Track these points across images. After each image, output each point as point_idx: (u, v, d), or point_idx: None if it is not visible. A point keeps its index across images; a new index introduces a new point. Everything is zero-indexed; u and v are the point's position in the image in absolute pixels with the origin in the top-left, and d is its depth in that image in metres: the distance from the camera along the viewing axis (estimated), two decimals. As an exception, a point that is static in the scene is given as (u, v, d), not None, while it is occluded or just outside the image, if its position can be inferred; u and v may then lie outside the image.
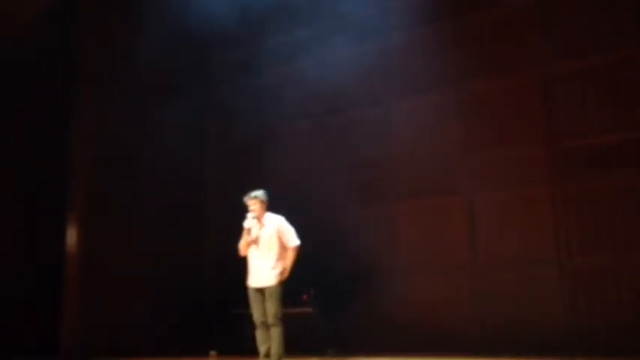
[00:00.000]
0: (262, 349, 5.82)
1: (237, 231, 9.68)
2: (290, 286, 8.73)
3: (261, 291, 5.84)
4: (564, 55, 7.89)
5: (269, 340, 5.76)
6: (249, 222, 5.93)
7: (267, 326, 5.78)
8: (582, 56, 7.75)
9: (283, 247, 5.93)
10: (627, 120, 7.42)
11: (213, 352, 8.39)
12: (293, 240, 5.98)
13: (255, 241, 5.93)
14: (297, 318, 8.46)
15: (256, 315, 5.85)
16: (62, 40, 8.92)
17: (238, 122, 10.14)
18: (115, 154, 8.92)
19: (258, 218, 5.96)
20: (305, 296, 8.35)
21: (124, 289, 8.61)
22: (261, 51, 9.98)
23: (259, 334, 5.83)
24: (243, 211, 9.68)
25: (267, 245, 5.93)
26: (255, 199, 6.00)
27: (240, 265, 9.33)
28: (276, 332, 5.73)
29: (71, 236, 8.54)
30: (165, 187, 9.45)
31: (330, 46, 9.27)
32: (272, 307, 5.78)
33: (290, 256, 5.91)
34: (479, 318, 7.87)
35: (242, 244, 5.95)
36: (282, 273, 5.85)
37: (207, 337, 8.83)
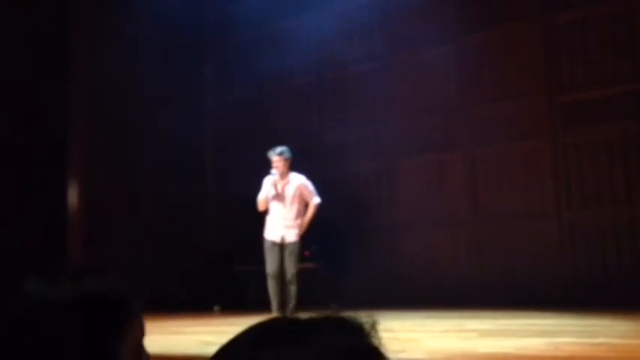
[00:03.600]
0: (275, 302, 5.87)
1: (238, 187, 9.76)
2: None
3: (280, 245, 5.88)
4: (565, 4, 7.76)
5: (281, 294, 5.79)
6: (273, 177, 5.93)
7: (281, 280, 5.84)
8: (583, 6, 7.62)
9: (305, 206, 6.01)
10: (628, 72, 7.34)
11: (217, 307, 8.51)
12: (315, 197, 6.04)
13: (278, 197, 5.94)
14: (299, 274, 8.55)
15: (272, 267, 5.89)
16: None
17: (237, 75, 10.02)
18: (113, 106, 8.86)
19: (282, 175, 5.95)
20: (307, 252, 8.40)
21: (126, 246, 8.67)
22: (257, 5, 9.79)
23: (273, 286, 5.88)
24: (243, 168, 9.72)
25: (290, 202, 5.98)
26: (279, 156, 6.01)
27: (243, 222, 9.41)
28: (294, 289, 5.82)
29: (72, 194, 8.55)
30: (164, 142, 9.41)
31: (328, 1, 9.09)
32: (292, 265, 5.87)
33: (310, 213, 6.02)
34: (479, 272, 7.96)
35: (262, 198, 5.96)
36: (300, 226, 5.88)
37: (211, 292, 8.93)
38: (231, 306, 8.47)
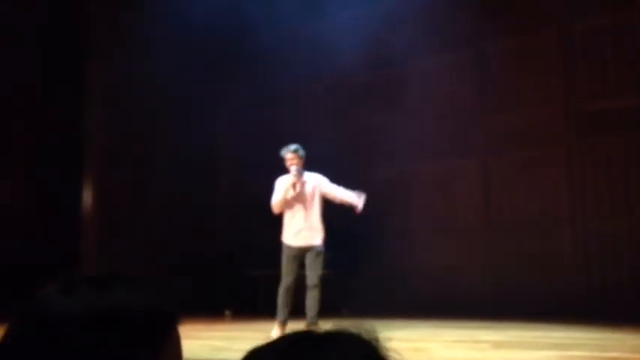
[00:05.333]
0: (285, 312, 5.55)
1: (250, 190, 9.76)
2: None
3: (304, 250, 5.56)
4: (583, 13, 7.70)
5: (291, 305, 5.58)
6: (292, 177, 5.60)
7: (294, 288, 5.55)
8: (601, 15, 7.57)
9: (324, 204, 5.73)
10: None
11: (228, 312, 8.51)
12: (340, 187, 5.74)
13: (298, 198, 5.62)
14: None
15: (291, 277, 5.55)
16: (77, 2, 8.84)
17: (250, 81, 10.05)
18: (128, 108, 8.91)
19: (300, 173, 5.65)
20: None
21: (138, 248, 8.70)
22: (273, 10, 9.81)
23: (287, 297, 5.55)
24: (257, 171, 9.72)
25: (311, 202, 5.66)
26: (294, 153, 5.68)
27: (255, 226, 9.41)
28: (318, 295, 5.51)
29: (87, 195, 8.61)
30: (178, 145, 9.45)
31: (343, 5, 9.10)
32: (319, 268, 5.54)
33: (345, 191, 5.68)
34: (492, 281, 7.89)
35: (279, 200, 5.60)
36: (349, 197, 5.60)
37: (222, 297, 8.93)
38: (243, 311, 8.47)
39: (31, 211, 8.40)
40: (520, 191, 7.97)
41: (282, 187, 5.68)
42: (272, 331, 5.45)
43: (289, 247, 5.61)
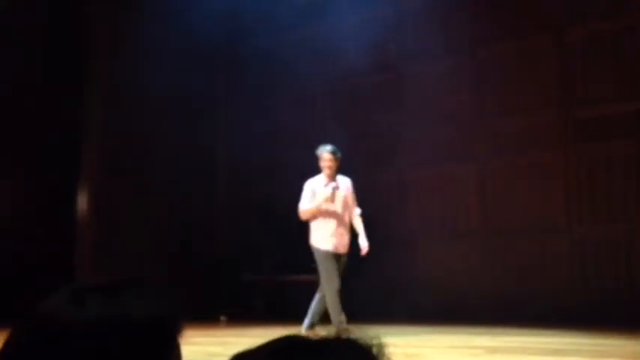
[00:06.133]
0: (341, 318, 5.37)
1: (248, 196, 9.73)
2: (299, 254, 8.78)
3: (339, 256, 5.43)
4: (580, 19, 7.72)
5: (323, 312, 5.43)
6: (325, 180, 5.41)
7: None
8: (598, 20, 7.59)
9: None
10: (638, 88, 7.29)
11: (223, 317, 8.48)
12: (357, 207, 5.59)
13: (331, 201, 5.43)
14: (306, 285, 8.51)
15: (338, 280, 5.35)
16: (74, 4, 8.84)
17: (250, 83, 10.05)
18: (126, 114, 8.91)
19: (332, 175, 5.48)
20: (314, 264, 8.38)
21: (133, 252, 8.67)
22: (273, 13, 9.82)
23: (337, 301, 5.33)
24: (254, 177, 9.71)
25: (343, 206, 5.49)
26: (333, 155, 5.47)
27: (252, 231, 9.39)
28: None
29: (82, 198, 8.58)
30: (175, 151, 9.44)
31: (344, 9, 9.11)
32: (340, 274, 5.43)
33: (362, 227, 5.50)
34: (489, 286, 7.88)
35: (311, 211, 5.42)
36: (364, 248, 5.48)
37: (218, 302, 8.90)
38: (238, 316, 8.44)
39: (31, 212, 8.38)
40: (517, 197, 7.97)
41: (310, 195, 5.46)
42: None
43: (321, 251, 5.44)
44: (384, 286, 8.42)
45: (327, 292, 5.39)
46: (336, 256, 5.43)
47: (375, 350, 0.73)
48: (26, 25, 8.46)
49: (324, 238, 5.46)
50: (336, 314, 5.37)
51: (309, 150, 9.45)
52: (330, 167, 5.48)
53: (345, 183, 5.60)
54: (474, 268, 8.10)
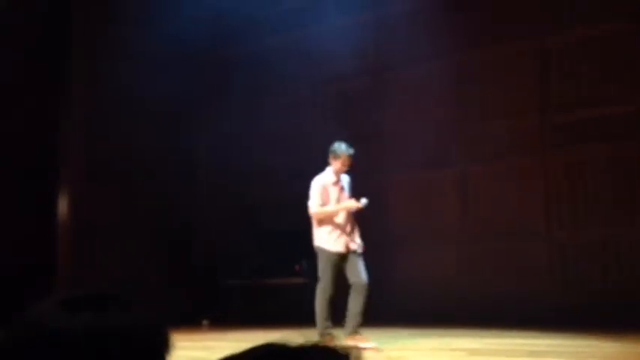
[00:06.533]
0: (327, 324, 5.30)
1: (229, 202, 9.71)
2: (282, 258, 8.80)
3: (344, 256, 5.33)
4: (560, 26, 7.82)
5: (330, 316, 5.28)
6: (364, 201, 5.35)
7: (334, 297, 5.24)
8: (578, 27, 7.69)
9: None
10: (619, 93, 7.40)
11: (205, 322, 8.45)
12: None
13: (340, 201, 5.40)
14: (289, 289, 8.52)
15: (334, 286, 5.28)
16: (53, 7, 8.76)
17: (231, 87, 10.03)
18: (107, 119, 8.84)
19: (340, 174, 5.46)
20: (297, 267, 8.39)
21: (114, 259, 8.61)
22: (256, 20, 9.84)
23: (328, 306, 5.27)
24: (236, 183, 9.70)
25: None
26: (351, 156, 5.46)
27: (233, 236, 9.38)
28: (365, 300, 5.25)
29: (62, 204, 8.51)
30: (156, 157, 9.39)
31: (328, 14, 9.15)
32: (364, 269, 5.31)
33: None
34: (469, 290, 7.94)
35: (332, 211, 5.34)
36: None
37: (200, 306, 8.87)
38: (220, 320, 8.42)
39: (10, 217, 8.28)
40: (497, 201, 8.04)
41: (320, 192, 5.37)
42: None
43: (329, 252, 5.34)
44: (373, 289, 8.43)
45: (319, 296, 5.35)
46: (343, 257, 5.33)
47: (352, 358, 0.74)
48: (5, 27, 8.37)
49: (333, 239, 5.37)
50: (322, 319, 5.32)
51: (291, 154, 9.53)
52: (347, 167, 5.47)
53: (346, 179, 5.64)
54: (455, 271, 8.15)
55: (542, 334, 6.13)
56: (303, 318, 7.93)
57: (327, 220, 5.40)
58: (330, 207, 5.42)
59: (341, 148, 5.49)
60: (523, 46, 8.04)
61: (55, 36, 8.71)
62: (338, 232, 5.38)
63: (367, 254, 8.51)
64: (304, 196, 9.10)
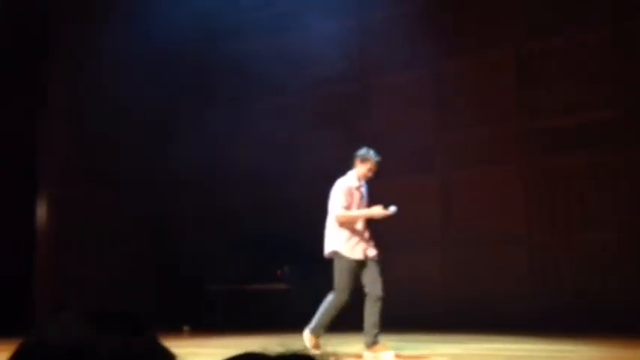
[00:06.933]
0: (323, 332, 5.22)
1: (210, 205, 9.67)
2: (265, 263, 8.76)
3: (362, 263, 5.18)
4: (538, 34, 7.91)
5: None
6: (393, 208, 5.23)
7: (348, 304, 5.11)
8: (556, 35, 7.78)
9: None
10: (597, 100, 7.50)
11: (186, 327, 8.39)
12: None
13: (361, 206, 5.31)
14: (271, 294, 8.50)
15: (349, 295, 5.16)
16: (33, 13, 8.69)
17: (214, 92, 10.00)
18: (87, 122, 8.78)
19: (363, 179, 5.38)
20: (279, 273, 8.37)
21: (95, 263, 8.54)
22: (240, 24, 9.82)
23: (336, 316, 5.17)
24: (218, 188, 9.66)
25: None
26: (379, 163, 5.39)
27: (215, 242, 9.33)
28: (380, 309, 5.13)
29: (41, 210, 8.42)
30: (138, 160, 9.33)
31: (312, 20, 9.16)
32: (381, 279, 5.18)
33: None
34: (451, 296, 7.98)
35: (359, 216, 5.22)
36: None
37: (181, 312, 8.81)
38: (202, 326, 8.37)
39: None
40: (479, 208, 8.09)
41: (347, 195, 5.26)
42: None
43: (350, 260, 5.19)
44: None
45: (332, 302, 5.21)
46: (361, 265, 5.19)
47: None
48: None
49: (352, 244, 5.23)
50: (321, 324, 5.21)
51: (277, 159, 9.51)
52: (373, 174, 5.40)
53: (364, 186, 5.55)
54: (437, 276, 8.19)
55: (524, 338, 6.18)
56: (286, 324, 7.93)
57: (347, 225, 5.24)
58: (356, 211, 5.28)
59: (370, 153, 5.41)
60: (504, 53, 8.12)
61: (33, 39, 8.64)
62: (357, 238, 5.24)
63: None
64: (290, 201, 9.14)
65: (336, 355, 0.78)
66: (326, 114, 9.17)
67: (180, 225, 9.92)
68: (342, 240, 5.25)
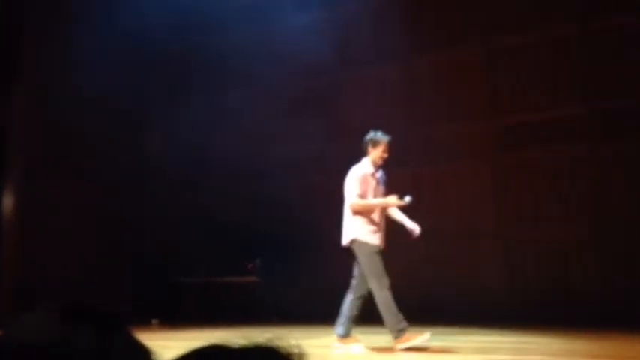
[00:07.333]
0: (400, 317, 5.05)
1: (180, 197, 9.59)
2: (237, 256, 8.72)
3: (382, 253, 5.09)
4: (507, 31, 7.99)
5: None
6: (409, 198, 5.10)
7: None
8: (525, 32, 7.87)
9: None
10: (564, 97, 7.62)
11: (155, 320, 8.33)
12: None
13: (378, 193, 5.17)
14: (242, 287, 8.48)
15: (387, 276, 5.00)
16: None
17: (191, 84, 9.92)
18: (54, 116, 8.64)
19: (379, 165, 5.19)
20: (250, 265, 8.35)
21: (62, 256, 8.41)
22: (217, 16, 9.73)
23: (390, 297, 4.96)
24: (185, 180, 9.58)
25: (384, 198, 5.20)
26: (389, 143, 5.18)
27: (183, 234, 9.26)
28: None
29: (8, 201, 8.27)
30: (104, 153, 9.21)
31: (281, 13, 9.12)
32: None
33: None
34: (420, 288, 8.04)
35: (376, 205, 5.10)
36: None
37: (150, 305, 8.74)
38: (171, 319, 8.31)
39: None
40: (448, 202, 8.17)
41: (361, 183, 5.11)
42: (406, 344, 4.89)
43: (373, 246, 5.06)
44: (316, 287, 8.47)
45: (379, 293, 5.00)
46: (381, 253, 5.09)
47: (296, 358, 0.75)
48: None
49: (374, 233, 5.11)
50: (393, 316, 5.00)
51: (249, 150, 9.45)
52: (387, 155, 5.21)
53: (381, 174, 5.38)
54: (407, 270, 8.24)
55: (493, 331, 6.26)
56: (255, 317, 7.92)
57: (364, 213, 5.11)
58: (371, 200, 5.14)
59: (378, 135, 5.27)
60: (473, 50, 8.20)
61: (2, 31, 8.45)
62: (374, 227, 5.12)
63: (321, 251, 8.59)
64: (264, 193, 9.10)
65: (299, 346, 0.78)
66: (302, 106, 9.15)
67: (150, 216, 9.83)
68: (361, 227, 5.12)
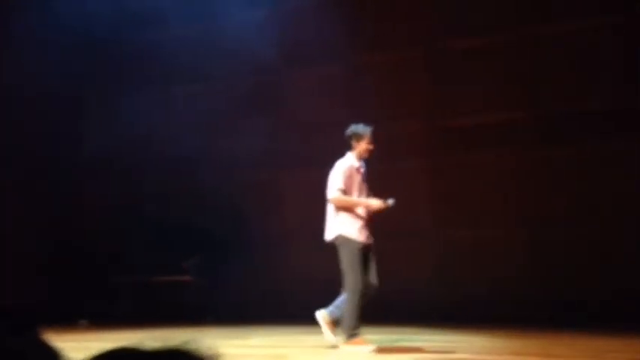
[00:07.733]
0: (357, 324, 4.88)
1: (116, 193, 9.36)
2: (170, 254, 8.58)
3: (366, 248, 4.92)
4: (449, 33, 8.12)
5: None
6: (391, 201, 4.98)
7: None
8: (467, 35, 8.02)
9: None
10: (504, 100, 7.80)
11: (83, 321, 8.08)
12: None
13: (361, 190, 5.02)
14: (175, 286, 8.36)
15: (364, 280, 4.81)
16: None
17: (123, 78, 9.69)
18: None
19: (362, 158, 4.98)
20: (185, 265, 8.24)
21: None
22: (154, 11, 9.54)
23: (360, 306, 4.81)
24: (122, 174, 9.36)
25: (368, 192, 5.06)
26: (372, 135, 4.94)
27: (117, 230, 9.04)
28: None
29: None
30: (40, 146, 8.92)
31: (223, 10, 9.03)
32: (375, 266, 4.89)
33: None
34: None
35: (357, 203, 4.96)
36: None
37: (79, 304, 8.50)
38: (104, 319, 8.09)
39: None
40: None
41: (347, 177, 4.98)
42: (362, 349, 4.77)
43: (357, 242, 4.89)
44: (254, 286, 8.44)
45: (350, 295, 4.87)
46: (366, 250, 4.93)
47: None
48: None
49: (359, 228, 4.96)
50: (354, 320, 4.86)
51: (180, 149, 9.30)
52: (372, 146, 5.05)
53: (363, 167, 5.24)
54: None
55: (423, 330, 6.37)
56: (190, 317, 7.81)
57: (346, 209, 4.98)
58: (354, 199, 5.00)
59: (360, 127, 5.12)
60: (416, 51, 8.31)
61: None
62: (361, 222, 4.98)
63: (260, 250, 8.55)
64: (204, 189, 8.95)
65: (213, 348, 0.79)
66: (246, 102, 9.09)
67: (84, 214, 9.56)
68: (347, 222, 4.98)
